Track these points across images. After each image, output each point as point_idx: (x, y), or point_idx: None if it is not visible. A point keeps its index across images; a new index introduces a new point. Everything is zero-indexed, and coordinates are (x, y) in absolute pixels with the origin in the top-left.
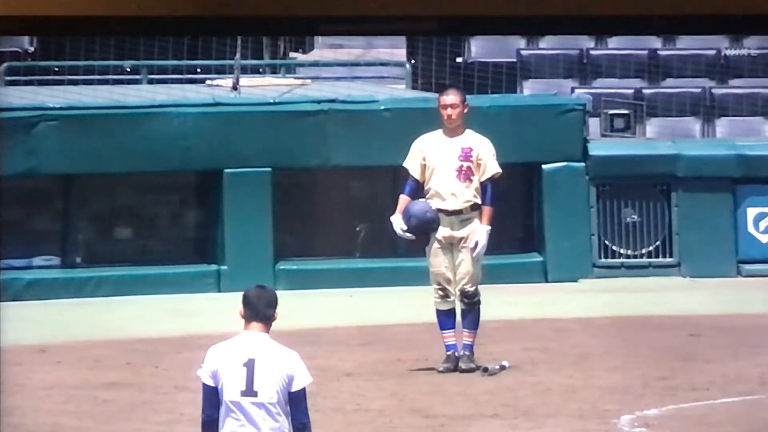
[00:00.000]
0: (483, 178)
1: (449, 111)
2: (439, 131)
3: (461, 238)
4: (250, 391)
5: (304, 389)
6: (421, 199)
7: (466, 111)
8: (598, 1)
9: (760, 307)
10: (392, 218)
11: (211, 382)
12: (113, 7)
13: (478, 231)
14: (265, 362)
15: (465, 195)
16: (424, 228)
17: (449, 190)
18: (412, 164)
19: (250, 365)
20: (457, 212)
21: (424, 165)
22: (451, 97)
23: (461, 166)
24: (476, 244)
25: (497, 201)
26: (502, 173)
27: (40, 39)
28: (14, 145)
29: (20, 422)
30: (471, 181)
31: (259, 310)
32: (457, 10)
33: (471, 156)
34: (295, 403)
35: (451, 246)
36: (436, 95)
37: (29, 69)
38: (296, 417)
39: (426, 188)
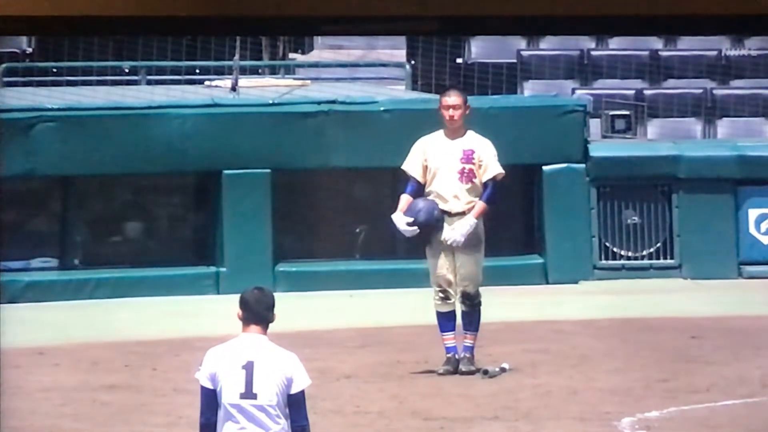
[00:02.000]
0: (485, 178)
1: (451, 112)
2: (440, 132)
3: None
4: (249, 394)
5: (303, 392)
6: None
7: (467, 112)
8: (598, 1)
9: (761, 309)
10: (394, 216)
11: (209, 385)
12: (112, 7)
13: (462, 220)
14: (264, 364)
15: (467, 197)
16: (431, 223)
17: (451, 193)
18: (413, 166)
19: (249, 368)
20: (459, 214)
21: (426, 166)
22: (453, 98)
23: (463, 168)
24: (454, 232)
25: (496, 201)
26: (504, 174)
27: (37, 39)
28: (12, 147)
29: (18, 424)
30: (473, 183)
31: (258, 312)
32: (457, 10)
33: (473, 158)
34: (295, 405)
35: (453, 248)
36: (437, 96)
37: (27, 70)
38: (295, 420)
39: (427, 190)
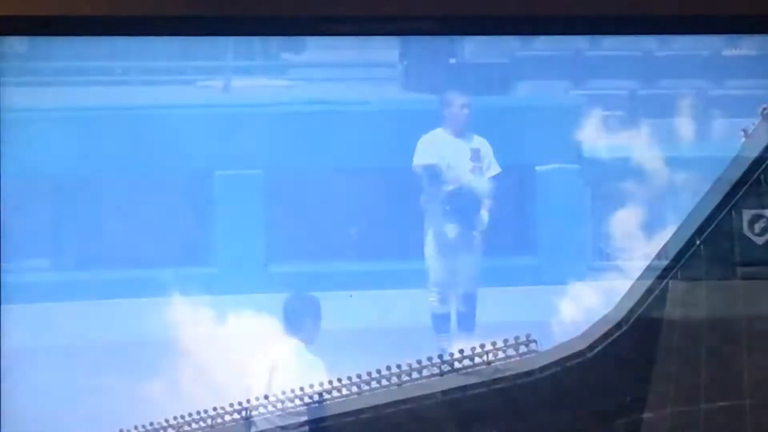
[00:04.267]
0: (489, 176)
1: (465, 111)
2: (441, 131)
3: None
4: None
5: None
6: None
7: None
8: (598, 1)
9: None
10: None
11: None
12: (110, 6)
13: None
14: None
15: None
16: None
17: None
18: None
19: None
20: None
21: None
22: (461, 99)
23: (473, 166)
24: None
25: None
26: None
27: (36, 39)
28: (10, 147)
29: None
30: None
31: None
32: (457, 10)
33: (480, 156)
34: None
35: (451, 246)
36: (430, 97)
37: (26, 69)
38: None
39: None
